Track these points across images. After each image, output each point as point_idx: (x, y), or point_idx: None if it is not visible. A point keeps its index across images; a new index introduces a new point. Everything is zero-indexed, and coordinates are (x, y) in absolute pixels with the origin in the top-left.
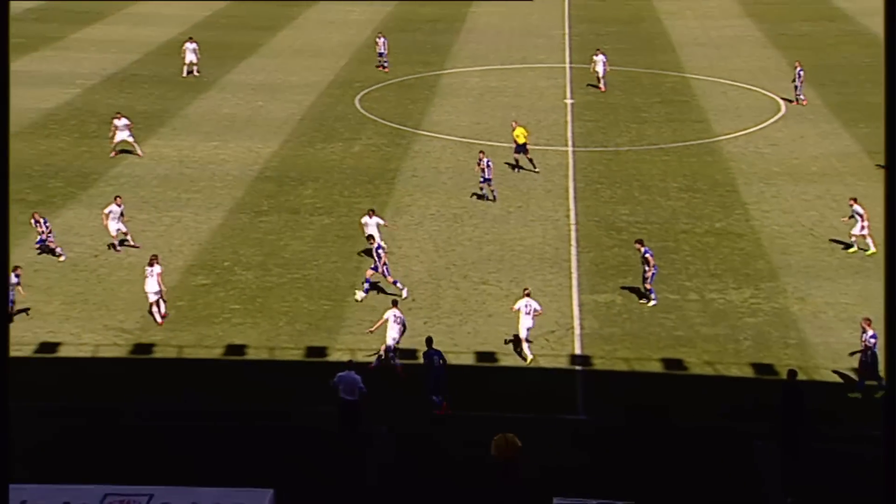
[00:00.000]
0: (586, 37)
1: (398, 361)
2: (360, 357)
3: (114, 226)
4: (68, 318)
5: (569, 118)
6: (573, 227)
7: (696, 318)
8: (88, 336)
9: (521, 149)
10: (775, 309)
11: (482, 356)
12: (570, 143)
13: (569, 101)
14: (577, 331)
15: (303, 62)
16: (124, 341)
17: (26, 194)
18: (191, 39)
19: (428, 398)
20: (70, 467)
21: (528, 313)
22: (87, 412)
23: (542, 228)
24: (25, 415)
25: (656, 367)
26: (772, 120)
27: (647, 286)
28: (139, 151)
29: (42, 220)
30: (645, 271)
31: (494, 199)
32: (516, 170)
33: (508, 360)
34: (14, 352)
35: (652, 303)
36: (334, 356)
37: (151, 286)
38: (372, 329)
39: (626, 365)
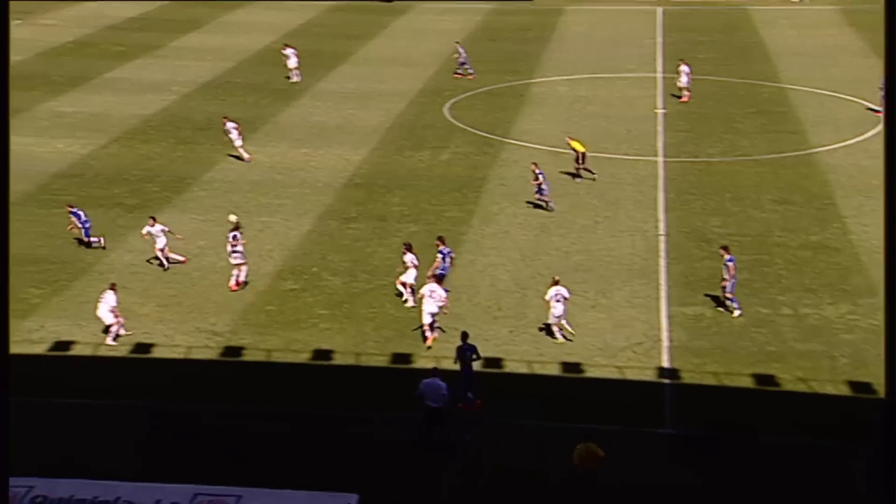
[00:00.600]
0: (679, 46)
1: (431, 334)
2: (445, 364)
3: (161, 242)
4: (162, 320)
5: (659, 128)
6: (663, 239)
7: (790, 334)
8: (181, 338)
9: (582, 158)
10: (874, 326)
11: (568, 367)
12: (660, 153)
13: (660, 111)
14: (665, 343)
15: (393, 70)
16: (215, 344)
17: (124, 198)
18: (287, 45)
19: (461, 393)
20: (162, 466)
21: (559, 301)
22: (179, 412)
23: (630, 239)
24: (119, 414)
25: (747, 383)
26: (872, 132)
27: (728, 295)
28: (245, 156)
29: (74, 212)
30: (724, 279)
31: (551, 209)
32: (595, 178)
33: (595, 371)
34: (110, 352)
35: (736, 313)
36: (419, 363)
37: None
38: (412, 304)
39: (715, 379)
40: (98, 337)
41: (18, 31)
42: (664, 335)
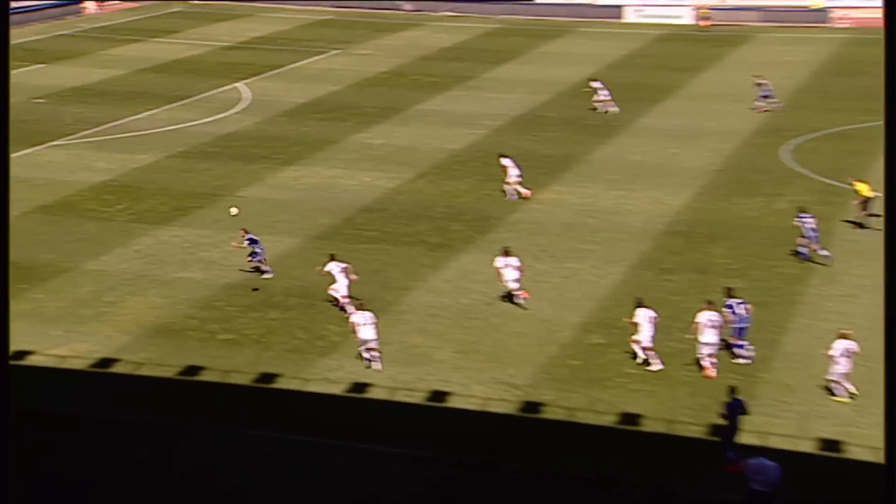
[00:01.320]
0: None
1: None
2: (773, 442)
3: (341, 283)
4: (459, 368)
5: None
6: None
7: None
8: (478, 388)
9: (865, 203)
10: None
11: None
12: None
13: None
14: None
15: (725, 107)
16: (513, 397)
17: (427, 236)
18: (594, 78)
19: (723, 450)
20: None
21: (847, 357)
22: (464, 465)
23: None
24: (408, 462)
25: None
26: None
27: None
28: (524, 192)
29: (248, 236)
30: None
31: (825, 258)
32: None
33: None
34: (405, 397)
35: None
36: (741, 438)
37: (510, 275)
38: (689, 334)
39: None
40: (396, 380)
41: (335, 60)
42: None
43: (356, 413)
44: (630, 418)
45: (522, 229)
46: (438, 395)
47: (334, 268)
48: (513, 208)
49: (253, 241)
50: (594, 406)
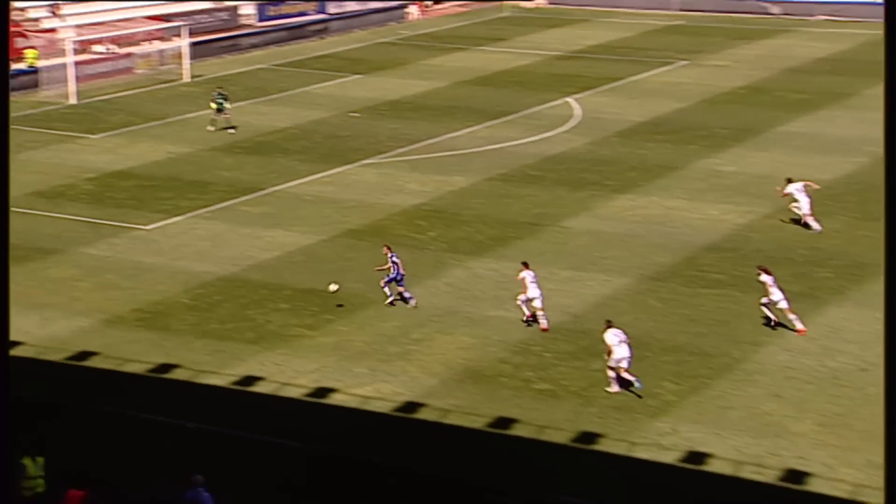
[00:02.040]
0: None
1: None
2: None
3: (777, 294)
4: (822, 444)
5: None
6: None
7: None
8: (846, 471)
9: None
10: None
11: None
12: None
13: None
14: None
15: None
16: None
17: (787, 283)
18: None
19: None
20: None
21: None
22: None
23: None
24: None
25: None
26: None
27: None
28: (814, 226)
29: (392, 256)
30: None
31: None
32: None
33: None
34: (752, 473)
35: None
36: None
37: (777, 295)
38: None
39: None
40: (742, 453)
41: (683, 72)
42: None
43: (692, 487)
44: None
45: None
46: (795, 476)
47: (527, 277)
48: None
49: (394, 264)
50: None
